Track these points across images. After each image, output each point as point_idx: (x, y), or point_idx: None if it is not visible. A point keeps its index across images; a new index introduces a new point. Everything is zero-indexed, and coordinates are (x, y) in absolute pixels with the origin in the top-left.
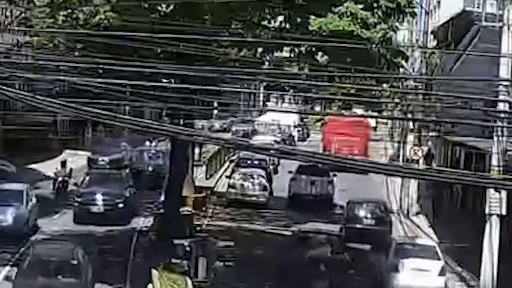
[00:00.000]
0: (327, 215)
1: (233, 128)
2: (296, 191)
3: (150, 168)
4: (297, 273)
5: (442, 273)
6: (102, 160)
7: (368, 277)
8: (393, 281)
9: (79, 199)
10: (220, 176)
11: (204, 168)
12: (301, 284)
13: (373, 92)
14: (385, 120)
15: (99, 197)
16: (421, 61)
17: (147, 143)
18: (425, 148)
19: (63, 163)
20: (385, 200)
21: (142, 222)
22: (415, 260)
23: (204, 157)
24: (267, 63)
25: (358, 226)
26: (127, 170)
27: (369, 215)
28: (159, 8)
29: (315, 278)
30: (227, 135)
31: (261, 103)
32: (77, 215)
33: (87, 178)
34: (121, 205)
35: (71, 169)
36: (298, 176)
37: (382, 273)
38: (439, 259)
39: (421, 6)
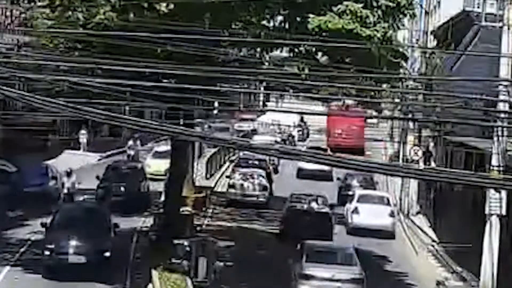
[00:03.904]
0: (325, 185)
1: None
2: (302, 166)
3: (123, 188)
4: (292, 222)
5: (391, 215)
6: (26, 192)
7: (339, 220)
8: (354, 220)
9: (50, 246)
10: (220, 176)
11: (204, 168)
12: (294, 229)
13: (373, 92)
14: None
15: (76, 243)
16: (421, 61)
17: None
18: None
19: None
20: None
21: (142, 222)
22: (371, 205)
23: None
24: (266, 63)
25: (349, 193)
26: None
27: (357, 184)
28: (159, 8)
29: (303, 224)
30: None
31: (261, 103)
32: (48, 267)
33: (58, 215)
34: (107, 254)
35: None
36: None
37: (347, 215)
38: (389, 205)
39: (421, 6)
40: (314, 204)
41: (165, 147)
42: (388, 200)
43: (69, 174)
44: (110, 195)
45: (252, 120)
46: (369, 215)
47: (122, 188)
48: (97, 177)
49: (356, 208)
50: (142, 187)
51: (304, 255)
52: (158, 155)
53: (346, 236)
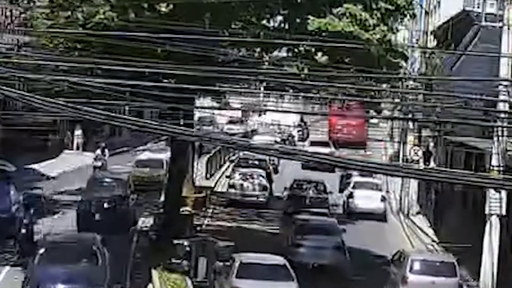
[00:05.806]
0: (328, 175)
1: None
2: None
3: (106, 205)
4: (294, 204)
5: (383, 200)
6: None
7: (334, 204)
8: (350, 204)
9: None
10: (220, 176)
11: (204, 168)
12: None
13: (373, 92)
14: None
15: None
16: (421, 61)
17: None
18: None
19: None
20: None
21: (142, 222)
22: (365, 191)
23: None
24: (266, 63)
25: (349, 181)
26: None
27: (357, 174)
28: (159, 8)
29: (303, 206)
30: None
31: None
32: None
33: (42, 251)
34: None
35: None
36: (309, 147)
37: (343, 199)
38: (381, 190)
39: (421, 6)
40: (313, 189)
41: (148, 155)
42: (379, 185)
43: (27, 206)
44: (92, 213)
45: (243, 121)
46: (363, 199)
47: (106, 205)
48: (79, 189)
49: (351, 193)
50: (128, 202)
51: (296, 228)
52: (141, 163)
53: (343, 219)
